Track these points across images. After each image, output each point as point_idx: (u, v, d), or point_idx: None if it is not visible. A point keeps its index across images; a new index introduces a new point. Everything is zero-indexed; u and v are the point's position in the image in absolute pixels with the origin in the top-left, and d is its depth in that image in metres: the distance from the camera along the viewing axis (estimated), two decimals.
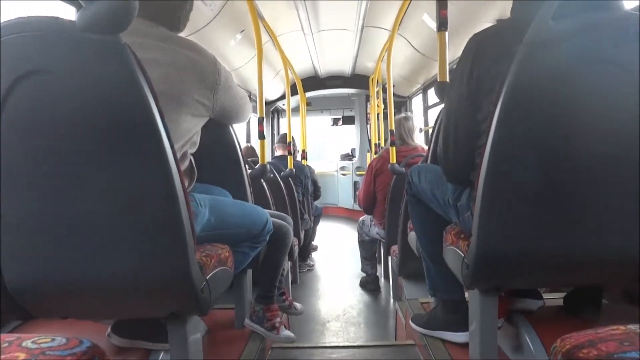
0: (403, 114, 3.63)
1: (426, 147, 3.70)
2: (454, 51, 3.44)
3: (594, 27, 1.08)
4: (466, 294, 1.68)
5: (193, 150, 1.49)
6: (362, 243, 3.97)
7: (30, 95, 1.01)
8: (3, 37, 1.00)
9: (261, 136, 2.82)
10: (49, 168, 1.07)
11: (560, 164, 1.14)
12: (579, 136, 1.12)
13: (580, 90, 1.10)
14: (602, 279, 1.44)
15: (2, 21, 1.02)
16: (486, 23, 3.21)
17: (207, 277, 1.27)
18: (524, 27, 1.11)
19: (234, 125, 1.87)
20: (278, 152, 4.72)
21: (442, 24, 2.02)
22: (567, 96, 1.10)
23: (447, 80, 1.95)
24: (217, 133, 1.77)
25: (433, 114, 5.89)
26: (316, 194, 5.24)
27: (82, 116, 1.02)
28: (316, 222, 5.36)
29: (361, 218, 4.00)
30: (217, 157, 1.86)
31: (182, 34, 1.49)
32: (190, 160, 1.48)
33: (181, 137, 1.38)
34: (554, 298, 1.76)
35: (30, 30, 0.99)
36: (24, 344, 0.83)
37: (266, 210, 1.77)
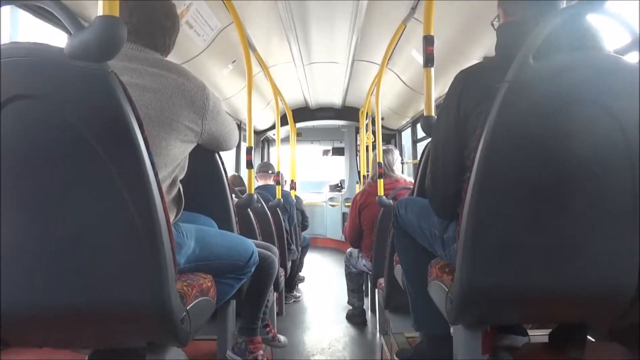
0: (384, 147, 3.66)
1: (409, 179, 3.73)
2: (442, 86, 3.50)
3: (574, 67, 1.10)
4: (451, 329, 1.67)
5: (182, 175, 1.48)
6: (349, 275, 3.94)
7: (14, 120, 1.01)
8: None
9: (249, 165, 2.82)
10: (29, 194, 1.06)
11: (543, 201, 1.15)
12: (561, 173, 1.14)
13: (561, 128, 1.12)
14: (587, 316, 1.43)
15: None
16: (473, 60, 3.28)
17: (188, 307, 1.25)
18: (508, 65, 1.13)
19: (222, 153, 1.87)
20: (260, 182, 4.68)
21: (429, 60, 2.05)
22: (547, 134, 1.12)
23: (433, 115, 1.97)
24: (204, 160, 1.77)
25: (422, 147, 5.95)
26: (304, 224, 5.21)
27: (65, 143, 1.02)
28: (304, 253, 5.32)
29: (348, 250, 3.98)
30: (204, 185, 1.85)
31: (175, 63, 1.51)
32: (179, 188, 1.48)
33: (171, 162, 1.38)
34: (539, 335, 1.76)
35: (18, 55, 1.00)
36: None
37: (252, 240, 1.75)
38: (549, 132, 1.11)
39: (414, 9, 3.18)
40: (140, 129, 1.04)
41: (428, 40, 2.05)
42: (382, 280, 2.94)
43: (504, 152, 1.13)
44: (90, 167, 1.03)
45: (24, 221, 1.07)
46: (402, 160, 5.20)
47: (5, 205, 1.06)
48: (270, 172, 4.57)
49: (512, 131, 1.13)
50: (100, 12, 0.95)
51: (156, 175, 1.08)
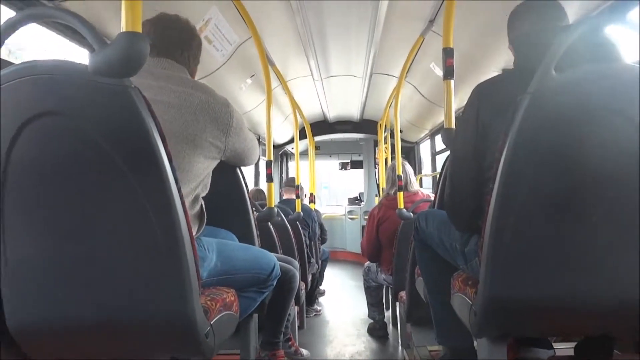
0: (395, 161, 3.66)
1: (426, 192, 3.71)
2: (461, 98, 3.49)
3: (597, 78, 1.10)
4: (475, 342, 1.65)
5: (204, 193, 1.50)
6: (368, 289, 3.91)
7: (39, 136, 1.03)
8: (15, 79, 1.03)
9: (269, 179, 2.83)
10: (54, 209, 1.08)
11: (568, 212, 1.14)
12: (584, 184, 1.12)
13: (583, 139, 1.11)
14: (613, 329, 1.41)
15: (16, 64, 1.06)
16: (492, 72, 3.27)
17: (212, 322, 1.26)
18: (527, 77, 1.14)
19: (243, 167, 1.89)
20: (285, 196, 4.73)
21: (448, 73, 2.05)
22: (570, 145, 1.11)
23: (454, 127, 1.97)
24: (225, 175, 1.78)
25: (440, 159, 5.92)
26: (323, 237, 5.21)
27: (88, 158, 1.04)
28: (323, 267, 5.30)
29: (366, 264, 3.95)
30: (225, 200, 1.86)
31: (199, 81, 1.53)
32: (202, 205, 1.49)
33: (194, 178, 1.40)
34: (564, 348, 1.73)
35: (42, 72, 1.02)
36: None
37: (273, 254, 1.76)
38: (572, 143, 1.11)
39: (432, 21, 3.19)
40: (163, 144, 1.05)
41: (448, 53, 2.05)
42: (403, 294, 2.91)
43: (527, 163, 1.13)
44: (113, 183, 1.05)
45: (48, 236, 1.09)
46: (415, 173, 5.18)
47: (29, 220, 1.09)
48: (295, 186, 4.60)
49: (534, 142, 1.12)
50: (123, 28, 0.98)
51: (179, 189, 1.09)
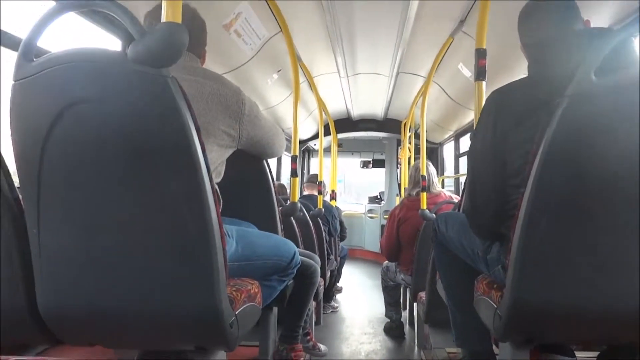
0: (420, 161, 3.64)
1: (449, 194, 3.69)
2: None
3: (635, 83, 1.08)
4: (494, 347, 1.64)
5: (218, 180, 1.51)
6: (386, 289, 3.91)
7: (77, 123, 1.05)
8: (54, 66, 1.04)
9: (294, 174, 2.85)
10: (89, 197, 1.09)
11: (601, 218, 1.13)
12: (619, 191, 1.11)
13: (619, 145, 1.09)
14: (638, 339, 1.39)
15: (54, 51, 1.07)
16: (520, 74, 3.23)
17: (237, 312, 1.27)
18: (545, 85, 1.13)
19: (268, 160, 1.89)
20: (306, 192, 4.74)
21: (480, 74, 2.03)
22: (607, 151, 1.09)
23: None
24: (250, 167, 1.79)
25: (464, 161, 5.88)
26: (342, 234, 5.22)
27: (126, 145, 1.05)
28: (342, 264, 5.31)
29: (385, 263, 3.96)
30: (251, 192, 1.87)
31: (221, 72, 1.53)
32: (216, 189, 1.51)
33: None
34: (586, 357, 1.71)
35: (82, 60, 1.04)
36: None
37: (293, 244, 1.76)
38: (607, 148, 1.09)
39: (462, 21, 3.16)
40: (197, 135, 1.06)
41: (480, 53, 2.03)
42: (422, 294, 2.90)
43: (561, 168, 1.12)
44: (148, 172, 1.07)
45: (82, 224, 1.11)
46: (438, 174, 5.16)
47: (65, 208, 1.11)
48: (317, 182, 4.62)
49: (569, 146, 1.11)
50: (164, 19, 0.99)
51: (211, 179, 1.10)
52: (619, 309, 1.18)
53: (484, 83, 2.04)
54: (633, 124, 1.08)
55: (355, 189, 10.88)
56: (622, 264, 1.15)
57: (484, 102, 1.85)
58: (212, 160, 1.43)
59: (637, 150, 1.09)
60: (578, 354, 1.65)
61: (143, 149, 1.05)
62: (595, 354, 1.65)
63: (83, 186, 1.09)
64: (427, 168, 3.57)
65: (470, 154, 1.53)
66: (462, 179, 5.55)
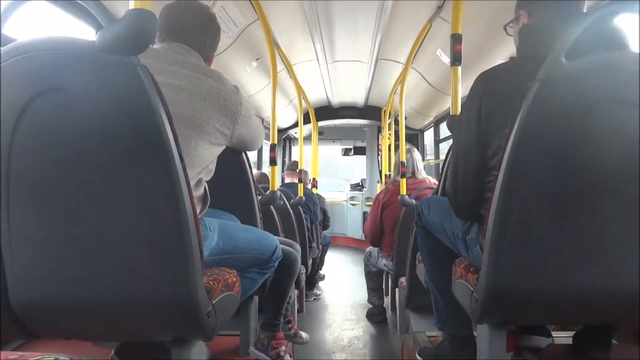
0: (407, 147, 3.65)
1: (433, 180, 3.71)
2: (467, 86, 3.47)
3: (607, 66, 1.09)
4: (474, 329, 1.66)
5: (208, 177, 1.50)
6: (368, 274, 3.94)
7: (45, 113, 1.02)
8: (19, 55, 1.01)
9: (273, 162, 2.83)
10: (59, 187, 1.07)
11: (572, 200, 1.14)
12: (592, 173, 1.12)
13: (592, 127, 1.10)
14: (612, 318, 1.42)
15: (21, 40, 1.04)
16: (498, 60, 3.25)
17: (214, 302, 1.26)
18: (531, 66, 1.13)
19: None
20: (287, 180, 4.74)
21: (456, 59, 2.03)
22: (579, 133, 1.10)
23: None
24: (229, 159, 1.78)
25: (444, 147, 5.92)
26: (325, 223, 5.23)
27: (95, 136, 1.03)
28: (324, 251, 5.33)
29: (368, 249, 3.98)
30: (229, 183, 1.86)
31: (212, 68, 1.52)
32: (205, 187, 1.49)
33: (198, 163, 1.40)
34: (563, 336, 1.74)
35: (49, 49, 1.01)
36: None
37: (275, 237, 1.76)
38: (580, 131, 1.10)
39: (440, 7, 3.15)
40: (169, 123, 1.05)
41: (456, 39, 2.03)
42: (403, 279, 2.93)
43: (533, 151, 1.12)
44: (119, 161, 1.05)
45: (52, 214, 1.09)
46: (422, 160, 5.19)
47: (34, 198, 1.08)
48: (297, 170, 4.61)
49: (542, 130, 1.11)
50: (131, 6, 0.97)
51: (184, 169, 1.08)
52: (593, 291, 1.20)
53: (459, 68, 2.05)
54: (605, 107, 1.09)
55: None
56: (596, 247, 1.17)
57: (460, 88, 1.85)
58: (204, 157, 1.42)
59: (609, 132, 1.10)
60: (554, 333, 1.68)
61: (114, 137, 1.03)
62: (572, 333, 1.68)
63: (54, 177, 1.07)
64: (412, 154, 3.59)
65: (454, 135, 1.53)
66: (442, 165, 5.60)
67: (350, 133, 9.39)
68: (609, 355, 1.51)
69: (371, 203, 3.95)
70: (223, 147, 1.51)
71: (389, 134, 5.83)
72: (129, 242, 1.09)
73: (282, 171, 6.36)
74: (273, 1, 3.16)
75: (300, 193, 4.17)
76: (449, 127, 1.97)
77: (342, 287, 5.37)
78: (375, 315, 3.93)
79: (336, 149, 9.88)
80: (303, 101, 4.87)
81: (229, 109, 1.44)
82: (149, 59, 0.99)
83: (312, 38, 3.98)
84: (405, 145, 3.64)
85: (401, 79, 3.87)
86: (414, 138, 7.17)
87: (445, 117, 5.64)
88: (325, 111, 7.27)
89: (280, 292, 1.92)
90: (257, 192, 1.98)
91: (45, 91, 1.01)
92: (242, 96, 1.50)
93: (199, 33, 1.52)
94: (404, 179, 3.32)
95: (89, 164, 1.05)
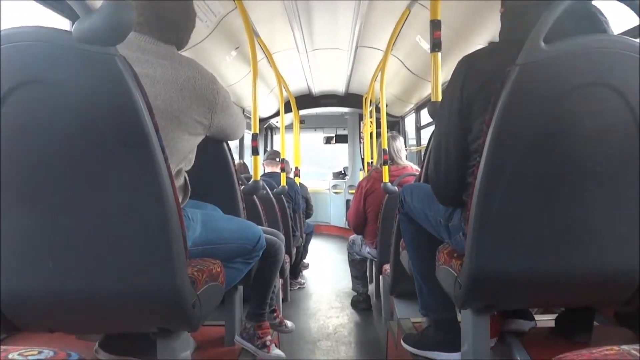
0: (389, 134, 3.65)
1: (415, 167, 3.72)
2: (447, 72, 3.48)
3: (585, 50, 1.10)
4: (458, 314, 1.68)
5: (188, 167, 1.49)
6: (352, 262, 3.95)
7: (23, 105, 1.01)
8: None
9: (255, 152, 2.81)
10: (39, 180, 1.06)
11: (553, 185, 1.16)
12: (572, 157, 1.14)
13: (572, 111, 1.11)
14: (594, 301, 1.44)
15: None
16: (478, 45, 3.26)
17: (198, 293, 1.26)
18: (513, 50, 1.13)
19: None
20: (267, 169, 4.72)
21: (436, 45, 2.03)
22: (559, 117, 1.11)
23: (440, 100, 1.97)
24: (211, 149, 1.77)
25: (425, 133, 5.94)
26: (308, 212, 5.23)
27: (75, 127, 1.02)
28: (308, 240, 5.33)
29: (351, 237, 3.99)
30: (211, 173, 1.85)
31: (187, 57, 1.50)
32: (185, 177, 1.48)
33: (177, 154, 1.38)
34: (545, 320, 1.76)
35: (26, 40, 0.99)
36: (10, 356, 0.82)
37: (259, 227, 1.76)
38: (560, 115, 1.11)
39: None
40: (150, 114, 1.04)
41: (435, 25, 2.03)
42: (387, 267, 2.94)
43: (514, 135, 1.13)
44: (100, 152, 1.03)
45: (35, 206, 1.08)
46: (405, 147, 5.20)
47: (16, 191, 1.07)
48: (277, 159, 4.60)
49: (522, 114, 1.12)
50: None
51: (166, 159, 1.08)
52: (575, 274, 1.22)
53: (439, 54, 2.05)
54: (584, 90, 1.10)
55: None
56: (578, 230, 1.19)
57: (440, 74, 1.85)
58: (183, 148, 1.41)
59: (588, 115, 1.11)
60: (537, 316, 1.70)
61: (94, 129, 1.01)
62: (554, 316, 1.71)
63: (34, 169, 1.05)
64: (395, 141, 3.59)
65: (436, 119, 1.53)
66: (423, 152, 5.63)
67: (332, 121, 9.40)
68: (591, 336, 1.53)
69: (354, 191, 3.95)
70: (202, 137, 1.50)
71: (371, 122, 5.84)
72: (112, 234, 1.08)
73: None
74: None
75: (283, 182, 4.16)
76: (430, 114, 1.98)
77: (326, 276, 5.40)
78: (360, 302, 3.95)
79: (318, 137, 9.88)
80: (284, 90, 4.84)
81: (206, 98, 1.42)
82: (122, 49, 0.98)
83: (291, 26, 3.95)
84: (388, 132, 3.64)
85: (381, 66, 3.86)
86: (396, 125, 7.18)
87: (426, 103, 5.66)
88: (307, 100, 7.25)
89: (265, 281, 1.92)
90: (240, 182, 1.97)
91: (23, 82, 1.00)
92: (220, 85, 1.48)
93: (176, 28, 1.49)
94: (387, 167, 3.33)
95: (70, 155, 1.04)
